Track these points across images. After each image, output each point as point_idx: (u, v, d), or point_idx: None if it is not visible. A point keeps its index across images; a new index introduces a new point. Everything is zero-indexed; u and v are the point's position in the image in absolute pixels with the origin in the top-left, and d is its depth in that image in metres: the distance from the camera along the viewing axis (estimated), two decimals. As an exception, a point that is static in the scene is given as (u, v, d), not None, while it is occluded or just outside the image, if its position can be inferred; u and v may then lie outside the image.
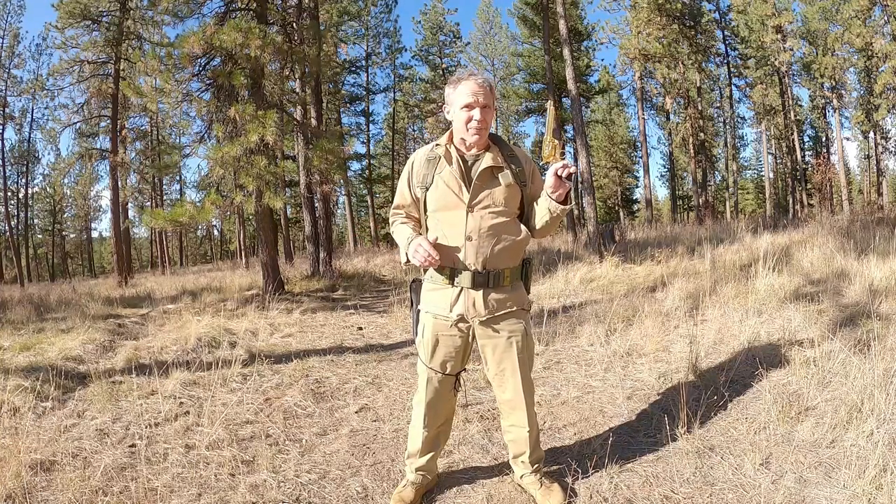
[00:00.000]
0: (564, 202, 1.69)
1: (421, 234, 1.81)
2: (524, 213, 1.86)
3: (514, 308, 1.82)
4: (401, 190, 1.90)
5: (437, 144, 1.84)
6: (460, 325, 1.80)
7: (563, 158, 1.66)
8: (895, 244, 6.21)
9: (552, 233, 1.91)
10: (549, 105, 1.75)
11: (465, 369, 1.95)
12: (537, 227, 1.81)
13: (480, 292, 1.76)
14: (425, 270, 1.85)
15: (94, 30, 14.51)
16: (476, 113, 1.71)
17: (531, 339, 1.90)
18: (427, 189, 1.80)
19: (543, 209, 1.74)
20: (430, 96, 24.82)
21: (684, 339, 3.72)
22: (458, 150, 1.80)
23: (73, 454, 2.44)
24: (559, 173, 1.63)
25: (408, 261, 1.76)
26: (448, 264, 1.77)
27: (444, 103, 1.84)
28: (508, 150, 1.84)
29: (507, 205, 1.77)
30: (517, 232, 1.80)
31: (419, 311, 1.88)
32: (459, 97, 1.74)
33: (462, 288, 1.77)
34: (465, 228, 1.74)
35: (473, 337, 1.83)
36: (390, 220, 1.96)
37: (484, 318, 1.78)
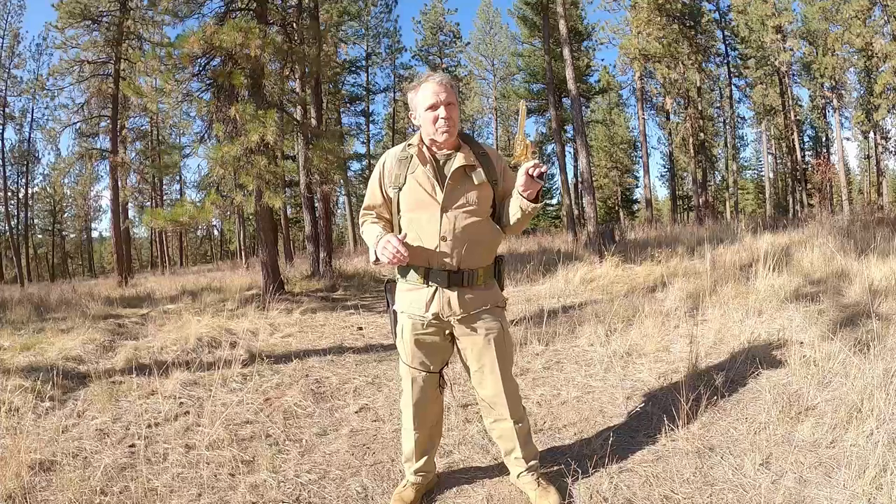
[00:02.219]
0: (536, 200, 1.69)
1: (390, 232, 1.80)
2: (496, 211, 1.87)
3: (489, 306, 1.83)
4: (371, 190, 1.88)
5: (409, 144, 1.84)
6: (437, 323, 1.81)
7: (535, 157, 1.67)
8: (895, 244, 6.21)
9: (524, 229, 1.93)
10: (521, 105, 1.76)
11: (447, 364, 1.95)
12: (510, 223, 1.82)
13: (455, 292, 1.77)
14: (402, 270, 1.84)
15: (94, 30, 14.51)
16: (441, 111, 1.72)
17: (509, 335, 1.91)
18: (400, 189, 1.80)
19: (515, 207, 1.74)
20: (430, 96, 24.77)
21: (684, 339, 3.72)
22: (429, 150, 1.80)
23: (73, 454, 2.44)
24: (530, 172, 1.63)
25: (377, 259, 1.74)
26: (422, 264, 1.77)
27: (410, 111, 1.84)
28: (479, 148, 1.85)
29: (480, 204, 1.78)
30: (490, 231, 1.82)
31: (395, 311, 1.88)
32: (422, 100, 1.75)
33: (437, 287, 1.77)
34: (440, 229, 1.74)
35: (452, 335, 1.85)
36: (360, 221, 1.93)
37: (460, 317, 1.79)
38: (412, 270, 1.80)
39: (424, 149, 1.79)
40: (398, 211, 1.83)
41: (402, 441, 1.99)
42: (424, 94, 1.74)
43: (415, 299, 1.81)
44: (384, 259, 1.69)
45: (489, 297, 1.84)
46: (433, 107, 1.73)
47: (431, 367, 1.86)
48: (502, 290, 1.93)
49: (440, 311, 1.78)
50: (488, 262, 1.84)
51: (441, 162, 1.79)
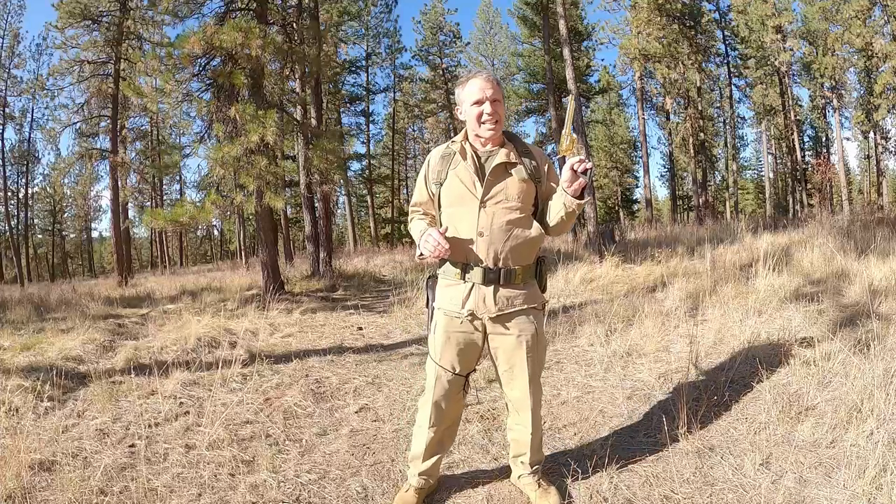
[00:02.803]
0: (580, 196, 1.68)
1: (433, 227, 1.81)
2: (538, 211, 1.85)
3: (526, 306, 1.80)
4: (418, 187, 1.91)
5: (452, 142, 1.85)
6: (472, 322, 1.79)
7: (580, 153, 1.66)
8: (895, 244, 6.21)
9: (567, 230, 1.91)
10: (570, 99, 1.77)
11: (475, 370, 1.93)
12: (552, 223, 1.80)
13: (491, 288, 1.76)
14: (440, 265, 1.84)
15: (94, 30, 14.49)
16: (487, 107, 1.73)
17: (543, 338, 1.87)
18: (441, 185, 1.81)
19: (559, 204, 1.73)
20: (430, 96, 24.84)
21: (684, 339, 3.72)
22: (472, 146, 1.81)
23: (73, 454, 2.44)
24: (575, 167, 1.63)
25: (422, 254, 1.75)
26: (460, 259, 1.77)
27: (454, 105, 1.86)
28: (523, 146, 1.84)
29: (520, 200, 1.76)
30: (531, 228, 1.79)
31: (434, 308, 1.87)
32: (469, 95, 1.76)
33: (473, 284, 1.77)
34: (478, 223, 1.74)
35: (485, 334, 1.82)
36: (409, 218, 1.98)
37: (494, 315, 1.77)
38: (450, 266, 1.80)
39: (467, 145, 1.80)
40: (439, 206, 1.84)
41: (413, 439, 1.97)
42: (471, 90, 1.75)
43: (452, 296, 1.80)
44: (426, 252, 1.70)
45: (526, 298, 1.81)
46: (479, 102, 1.73)
47: (458, 370, 1.84)
48: (544, 291, 1.90)
49: (475, 309, 1.77)
50: (528, 261, 1.81)
51: (483, 158, 1.79)
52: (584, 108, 19.59)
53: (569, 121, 1.69)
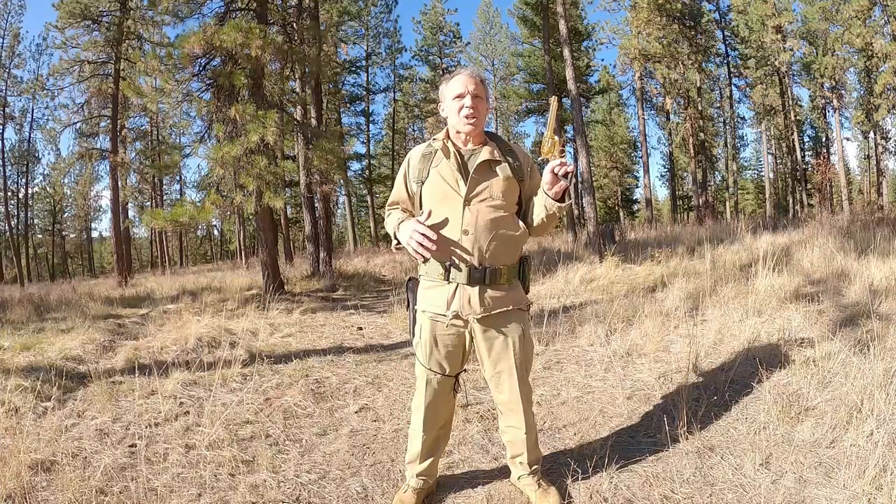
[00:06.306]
0: (562, 200, 1.66)
1: (413, 218, 1.76)
2: (521, 209, 1.84)
3: (512, 308, 1.79)
4: (397, 186, 1.89)
5: (434, 139, 1.83)
6: (457, 323, 1.77)
7: (563, 156, 1.62)
8: (895, 244, 6.21)
9: (549, 231, 1.89)
10: (553, 101, 1.72)
11: (464, 370, 1.93)
12: (534, 223, 1.79)
13: (476, 289, 1.73)
14: (423, 265, 1.82)
15: (94, 30, 14.51)
16: (467, 100, 1.71)
17: (530, 340, 1.86)
18: (423, 183, 1.78)
19: (540, 206, 1.72)
20: (430, 96, 24.83)
21: (684, 339, 3.72)
22: (454, 145, 1.79)
23: (73, 454, 2.44)
24: (556, 171, 1.60)
25: (399, 243, 1.74)
26: (444, 259, 1.74)
27: (437, 102, 1.84)
28: (506, 145, 1.83)
29: (504, 198, 1.74)
30: (515, 227, 1.77)
31: (416, 310, 1.85)
32: (451, 90, 1.75)
33: (458, 284, 1.74)
34: (462, 222, 1.71)
35: (472, 336, 1.81)
36: (385, 216, 1.94)
37: (480, 316, 1.75)
38: (433, 266, 1.77)
39: (449, 143, 1.78)
40: (420, 205, 1.81)
41: (409, 442, 1.97)
42: (454, 85, 1.74)
43: (435, 297, 1.77)
44: (410, 248, 1.67)
45: (511, 298, 1.78)
46: (460, 96, 1.72)
47: (448, 371, 1.83)
48: (527, 291, 1.88)
49: (460, 310, 1.74)
50: (512, 260, 1.79)
51: (466, 157, 1.78)
52: (584, 108, 19.60)
53: (551, 123, 1.66)
